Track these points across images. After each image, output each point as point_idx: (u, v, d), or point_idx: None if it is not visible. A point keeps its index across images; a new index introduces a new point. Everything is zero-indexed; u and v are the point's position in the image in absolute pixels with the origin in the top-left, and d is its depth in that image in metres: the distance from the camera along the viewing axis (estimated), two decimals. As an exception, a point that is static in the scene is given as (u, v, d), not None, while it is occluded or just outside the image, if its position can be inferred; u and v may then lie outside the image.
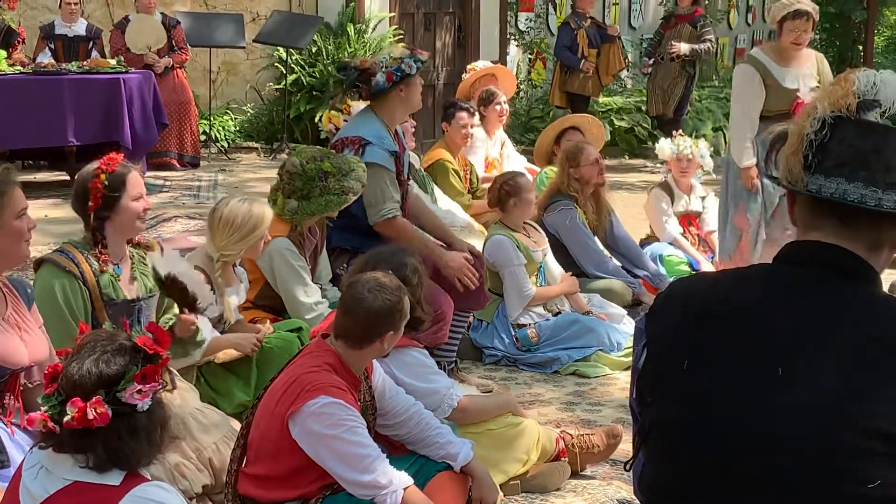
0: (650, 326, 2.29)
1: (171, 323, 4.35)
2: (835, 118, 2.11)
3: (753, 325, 2.14)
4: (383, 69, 5.64)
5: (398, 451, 4.07)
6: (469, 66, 9.79)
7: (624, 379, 6.05)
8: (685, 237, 7.99)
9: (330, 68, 12.13)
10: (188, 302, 4.33)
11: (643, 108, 14.12)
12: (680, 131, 8.49)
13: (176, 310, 4.47)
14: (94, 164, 4.23)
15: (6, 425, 3.52)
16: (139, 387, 2.75)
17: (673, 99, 12.60)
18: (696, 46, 12.39)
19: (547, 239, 6.83)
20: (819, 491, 2.01)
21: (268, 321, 5.12)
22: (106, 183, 4.15)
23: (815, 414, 2.02)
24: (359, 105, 6.18)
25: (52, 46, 10.98)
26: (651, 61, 12.92)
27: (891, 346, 2.05)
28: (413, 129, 7.31)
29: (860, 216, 2.11)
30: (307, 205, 5.41)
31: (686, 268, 7.74)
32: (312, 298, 5.30)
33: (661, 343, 2.24)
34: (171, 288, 4.30)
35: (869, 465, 1.98)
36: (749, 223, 6.69)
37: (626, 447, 4.83)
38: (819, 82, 6.56)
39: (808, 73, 6.59)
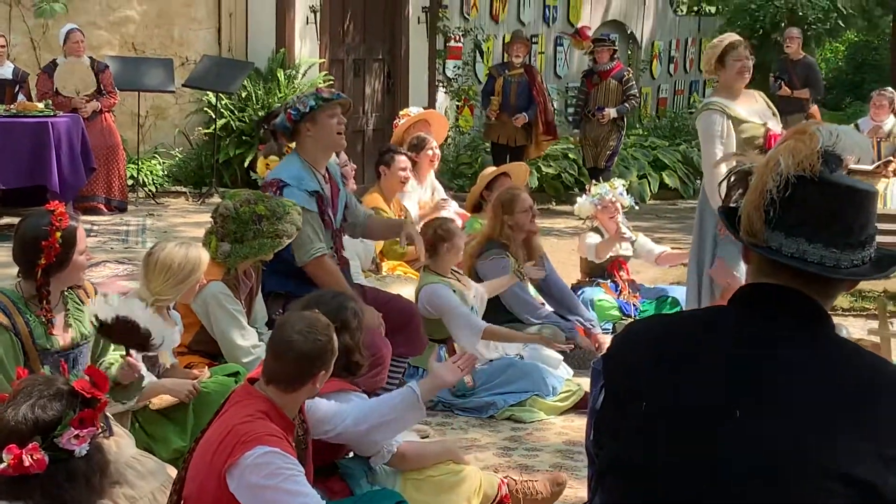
0: (607, 368, 2.27)
1: (112, 367, 4.24)
2: (799, 177, 2.12)
3: (710, 368, 2.14)
4: (285, 110, 5.71)
5: (337, 496, 4.02)
6: (402, 112, 9.81)
7: (560, 424, 6.04)
8: (615, 282, 8.05)
9: (260, 113, 12.07)
10: (141, 340, 4.21)
11: (570, 155, 14.31)
12: (596, 181, 8.61)
13: (116, 354, 4.36)
14: (43, 219, 4.07)
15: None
16: (76, 432, 2.70)
17: (605, 150, 12.89)
18: (623, 106, 12.85)
19: (475, 284, 6.82)
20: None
21: (205, 367, 5.05)
22: (61, 241, 4.04)
23: (774, 455, 2.03)
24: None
25: (-22, 90, 10.81)
26: (577, 131, 13.40)
27: (848, 388, 2.07)
28: (353, 172, 7.29)
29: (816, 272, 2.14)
30: (240, 248, 5.35)
31: (616, 312, 7.79)
32: (249, 342, 5.23)
33: (619, 385, 2.23)
34: (122, 330, 4.18)
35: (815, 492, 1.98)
36: (730, 271, 6.20)
37: (570, 493, 4.84)
38: (775, 116, 6.49)
39: (763, 109, 6.54)
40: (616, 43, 14.07)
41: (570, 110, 15.42)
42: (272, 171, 6.04)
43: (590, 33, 14.16)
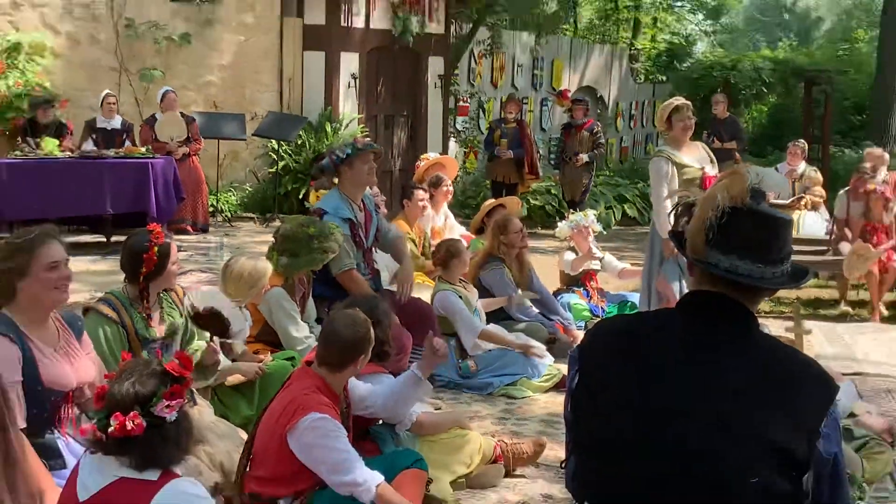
0: (581, 357, 2.27)
1: (197, 353, 4.24)
2: (732, 208, 2.12)
3: (661, 363, 2.13)
4: (329, 155, 5.80)
5: (371, 453, 4.02)
6: (422, 156, 9.80)
7: (543, 400, 6.01)
8: (587, 290, 8.03)
9: (311, 157, 12.12)
10: (222, 328, 4.21)
11: (552, 191, 14.27)
12: (573, 210, 8.58)
13: (201, 341, 4.37)
14: (144, 237, 4.07)
15: (62, 435, 3.41)
16: (168, 402, 2.70)
17: (580, 187, 12.82)
18: (593, 153, 12.74)
19: (478, 291, 6.80)
20: (709, 484, 2.00)
21: (268, 353, 5.05)
22: (158, 254, 4.05)
23: (707, 428, 2.03)
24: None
25: (95, 137, 10.82)
26: (557, 172, 13.31)
27: (771, 377, 2.07)
28: (384, 201, 7.33)
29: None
30: (296, 261, 5.36)
31: (588, 313, 7.75)
32: (302, 334, 5.24)
33: (590, 372, 2.23)
34: (209, 317, 4.19)
35: (751, 465, 1.99)
36: (668, 285, 6.29)
37: (549, 453, 4.81)
38: (712, 162, 6.52)
39: (703, 157, 6.55)
40: (588, 103, 14.04)
41: (552, 156, 15.40)
42: (318, 202, 6.07)
43: (569, 95, 14.17)
